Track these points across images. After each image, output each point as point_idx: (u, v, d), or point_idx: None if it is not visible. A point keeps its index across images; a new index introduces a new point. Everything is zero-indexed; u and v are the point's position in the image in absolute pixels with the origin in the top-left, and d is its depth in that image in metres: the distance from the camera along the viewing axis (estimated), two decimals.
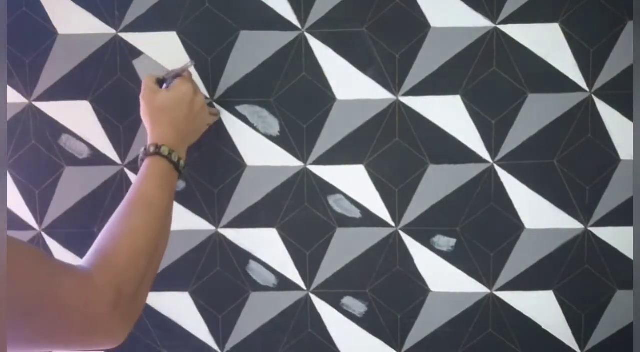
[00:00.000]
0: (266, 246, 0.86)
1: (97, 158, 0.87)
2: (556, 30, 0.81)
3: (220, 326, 0.87)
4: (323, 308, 0.86)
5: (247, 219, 0.86)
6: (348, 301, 0.86)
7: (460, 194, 0.83)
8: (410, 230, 0.84)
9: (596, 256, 0.83)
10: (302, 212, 0.85)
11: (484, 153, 0.83)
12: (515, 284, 0.84)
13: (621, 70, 0.80)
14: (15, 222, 0.87)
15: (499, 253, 0.84)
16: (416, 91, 0.83)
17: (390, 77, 0.83)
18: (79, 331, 0.53)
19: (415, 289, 0.85)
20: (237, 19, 0.84)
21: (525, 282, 0.84)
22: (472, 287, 0.84)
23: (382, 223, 0.84)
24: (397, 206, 0.84)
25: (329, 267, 0.85)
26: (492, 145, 0.83)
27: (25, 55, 0.86)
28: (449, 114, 0.82)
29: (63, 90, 0.86)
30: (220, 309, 0.87)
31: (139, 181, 0.70)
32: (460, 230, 0.84)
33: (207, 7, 0.84)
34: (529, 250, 0.83)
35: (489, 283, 0.84)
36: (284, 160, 0.85)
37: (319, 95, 0.84)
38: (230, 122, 0.85)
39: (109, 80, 0.86)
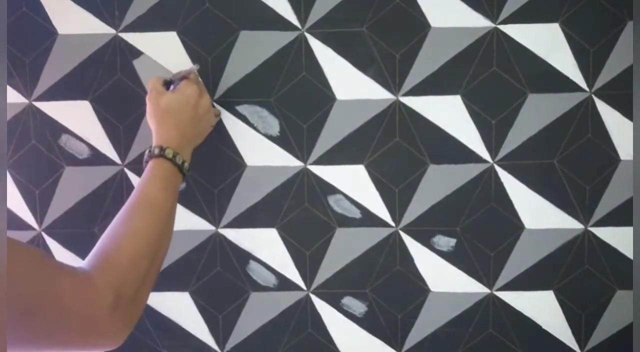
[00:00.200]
0: (266, 246, 0.86)
1: (97, 158, 0.87)
2: (556, 30, 0.81)
3: (220, 326, 0.87)
4: (323, 308, 0.86)
5: (247, 219, 0.86)
6: (348, 301, 0.86)
7: (460, 194, 0.83)
8: (410, 230, 0.84)
9: (596, 256, 0.83)
10: (302, 212, 0.85)
11: (484, 153, 0.83)
12: (515, 284, 0.84)
13: (621, 70, 0.80)
14: (15, 222, 0.87)
15: (499, 253, 0.84)
16: (416, 91, 0.83)
17: (390, 77, 0.83)
18: (78, 332, 0.53)
19: (415, 289, 0.85)
20: (237, 19, 0.84)
21: (525, 282, 0.84)
22: (472, 287, 0.84)
23: (382, 223, 0.84)
24: (397, 206, 0.84)
25: (329, 267, 0.85)
26: (492, 145, 0.83)
27: (25, 55, 0.86)
28: (449, 114, 0.82)
29: (63, 90, 0.86)
30: (220, 309, 0.87)
31: (143, 182, 0.69)
32: (460, 230, 0.84)
33: (207, 7, 0.84)
34: (529, 250, 0.83)
35: (489, 283, 0.84)
36: (284, 160, 0.85)
37: (319, 95, 0.84)
38: (230, 122, 0.85)
39: (109, 80, 0.86)
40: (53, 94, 0.86)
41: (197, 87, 0.76)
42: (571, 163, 0.82)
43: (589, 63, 0.81)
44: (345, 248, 0.85)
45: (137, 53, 0.85)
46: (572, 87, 0.81)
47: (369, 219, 0.84)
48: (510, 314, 0.84)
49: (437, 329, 0.85)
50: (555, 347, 0.84)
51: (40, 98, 0.86)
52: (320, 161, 0.84)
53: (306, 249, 0.86)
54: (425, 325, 0.85)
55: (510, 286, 0.84)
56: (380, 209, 0.84)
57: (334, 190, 0.85)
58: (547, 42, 0.81)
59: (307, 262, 0.86)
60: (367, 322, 0.86)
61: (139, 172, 0.86)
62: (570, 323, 0.84)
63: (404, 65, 0.83)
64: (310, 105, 0.84)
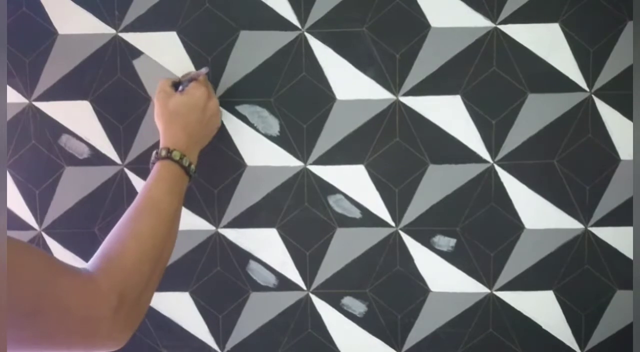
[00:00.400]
0: (266, 246, 0.86)
1: (97, 158, 0.87)
2: (556, 30, 0.81)
3: (220, 326, 0.87)
4: (323, 308, 0.86)
5: (247, 219, 0.86)
6: (348, 301, 0.86)
7: (460, 194, 0.83)
8: (410, 230, 0.84)
9: (596, 256, 0.83)
10: (302, 212, 0.85)
11: (484, 153, 0.83)
12: (515, 284, 0.84)
13: (621, 70, 0.80)
14: (15, 222, 0.87)
15: (499, 253, 0.84)
16: (416, 91, 0.83)
17: (390, 77, 0.83)
18: (80, 333, 0.53)
19: (415, 289, 0.85)
20: (237, 19, 0.84)
21: (525, 282, 0.84)
22: (472, 287, 0.84)
23: (382, 223, 0.84)
24: (397, 206, 0.84)
25: (329, 267, 0.85)
26: (492, 145, 0.83)
27: (25, 55, 0.86)
28: (449, 114, 0.82)
29: (63, 90, 0.86)
30: (220, 309, 0.87)
31: (149, 184, 0.69)
32: (460, 230, 0.84)
33: (207, 7, 0.84)
34: (529, 250, 0.83)
35: (489, 283, 0.84)
36: (284, 160, 0.85)
37: (319, 95, 0.84)
38: (231, 122, 0.85)
39: (109, 80, 0.86)
40: (53, 94, 0.86)
41: (205, 89, 0.77)
42: (571, 163, 0.82)
43: (589, 63, 0.81)
44: (345, 248, 0.85)
45: (137, 53, 0.85)
46: (572, 87, 0.81)
47: (369, 219, 0.84)
48: (510, 314, 0.84)
49: (437, 329, 0.85)
50: (555, 347, 0.84)
51: (40, 98, 0.86)
52: (320, 161, 0.84)
53: (306, 249, 0.86)
54: (425, 325, 0.85)
55: (510, 286, 0.84)
56: (380, 209, 0.84)
57: (334, 190, 0.85)
58: (547, 42, 0.81)
59: (307, 262, 0.86)
60: (367, 322, 0.86)
61: (139, 172, 0.86)
62: (570, 323, 0.84)
63: (404, 65, 0.83)
64: (310, 105, 0.84)
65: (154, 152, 0.73)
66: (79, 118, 0.86)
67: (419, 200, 0.84)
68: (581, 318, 0.84)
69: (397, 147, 0.83)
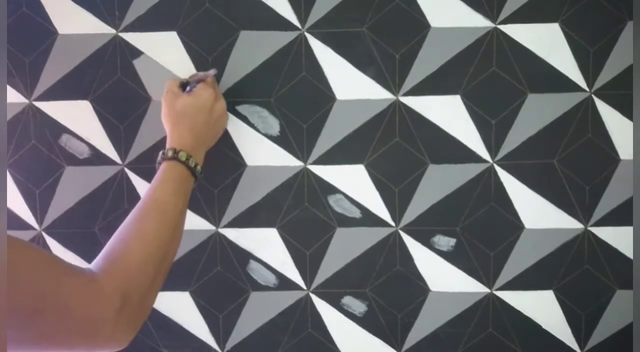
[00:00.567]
0: (266, 246, 0.86)
1: (97, 158, 0.87)
2: (556, 30, 0.81)
3: (221, 325, 0.87)
4: (323, 308, 0.86)
5: (247, 219, 0.86)
6: (348, 301, 0.86)
7: (460, 194, 0.83)
8: (410, 230, 0.84)
9: (596, 256, 0.83)
10: (302, 212, 0.85)
11: (484, 153, 0.83)
12: (515, 284, 0.84)
13: (621, 70, 0.80)
14: (16, 222, 0.87)
15: (499, 253, 0.84)
16: (416, 91, 0.83)
17: (390, 77, 0.83)
18: (81, 334, 0.53)
19: (415, 289, 0.85)
20: (237, 19, 0.84)
21: (525, 282, 0.84)
22: (472, 287, 0.84)
23: (382, 223, 0.84)
24: (397, 206, 0.84)
25: (329, 267, 0.85)
26: (492, 145, 0.83)
27: (25, 55, 0.86)
28: (449, 114, 0.82)
29: (63, 90, 0.86)
30: (220, 308, 0.87)
31: (154, 185, 0.69)
32: (460, 230, 0.84)
33: (207, 7, 0.84)
34: (529, 250, 0.83)
35: (489, 283, 0.84)
36: (284, 160, 0.85)
37: (319, 95, 0.84)
38: (231, 122, 0.85)
39: (109, 80, 0.86)
40: (53, 94, 0.86)
41: (213, 91, 0.77)
42: (571, 163, 0.82)
43: (589, 63, 0.81)
44: (345, 248, 0.85)
45: (137, 53, 0.85)
46: (572, 87, 0.81)
47: (369, 218, 0.84)
48: (510, 314, 0.84)
49: (437, 329, 0.85)
50: (555, 347, 0.84)
51: (40, 98, 0.86)
52: (320, 161, 0.84)
53: (306, 249, 0.86)
54: (425, 325, 0.85)
55: (510, 286, 0.84)
56: (380, 208, 0.84)
57: (334, 190, 0.85)
58: (547, 42, 0.81)
59: (307, 262, 0.86)
60: (367, 322, 0.86)
61: (139, 172, 0.86)
62: (570, 323, 0.84)
63: (403, 65, 0.83)
64: (310, 105, 0.84)
65: (160, 153, 0.73)
66: (79, 118, 0.86)
67: (418, 200, 0.84)
68: (581, 318, 0.84)
69: (397, 147, 0.83)
